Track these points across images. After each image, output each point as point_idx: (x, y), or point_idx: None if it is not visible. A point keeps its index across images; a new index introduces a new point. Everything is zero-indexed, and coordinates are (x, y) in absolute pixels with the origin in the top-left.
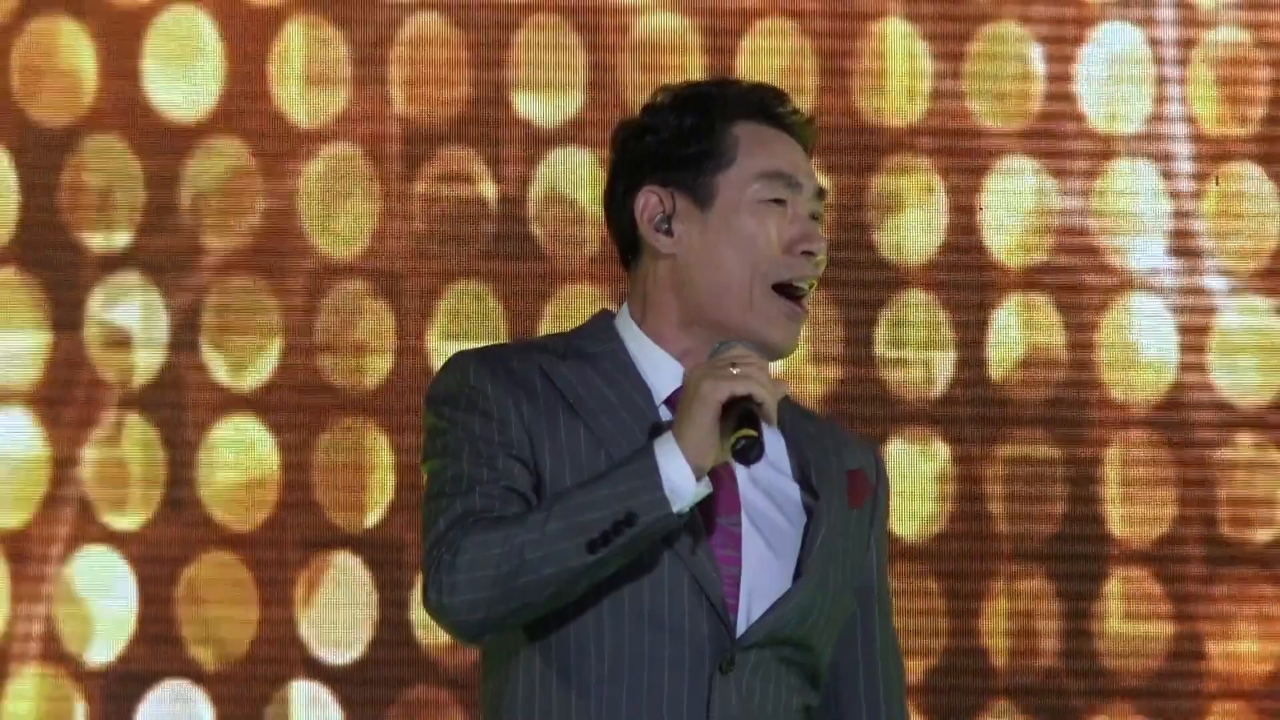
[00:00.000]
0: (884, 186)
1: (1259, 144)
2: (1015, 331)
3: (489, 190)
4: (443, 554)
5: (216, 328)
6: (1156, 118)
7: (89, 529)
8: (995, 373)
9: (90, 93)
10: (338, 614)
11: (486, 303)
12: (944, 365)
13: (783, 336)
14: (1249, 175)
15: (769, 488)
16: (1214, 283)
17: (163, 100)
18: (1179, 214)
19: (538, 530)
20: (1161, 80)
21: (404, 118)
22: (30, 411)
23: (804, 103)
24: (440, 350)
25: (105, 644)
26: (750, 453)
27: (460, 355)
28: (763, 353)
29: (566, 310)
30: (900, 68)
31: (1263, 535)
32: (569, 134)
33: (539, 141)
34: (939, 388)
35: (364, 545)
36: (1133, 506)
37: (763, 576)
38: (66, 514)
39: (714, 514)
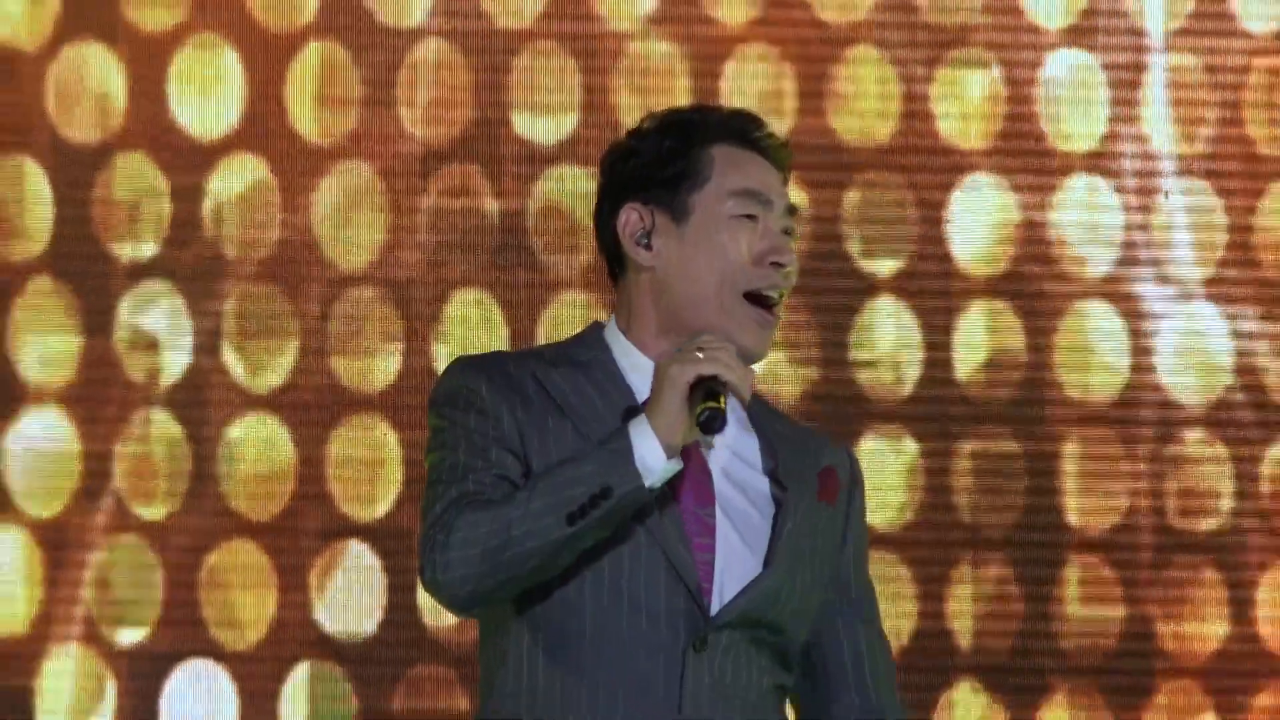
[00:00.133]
0: (858, 200)
1: (1205, 161)
2: (979, 335)
3: (490, 204)
4: (437, 534)
5: (237, 332)
6: (1110, 137)
7: (119, 519)
8: (961, 373)
9: (120, 114)
10: (349, 598)
11: (488, 309)
12: (913, 367)
13: (754, 342)
14: (1196, 190)
15: (742, 483)
16: (1163, 290)
17: (187, 120)
18: (1131, 226)
19: (522, 507)
20: (1114, 102)
21: (411, 137)
22: (64, 410)
23: (784, 122)
24: (444, 353)
25: (134, 626)
26: (714, 424)
27: (460, 361)
28: None
29: (563, 316)
30: (873, 90)
31: (1208, 525)
32: (565, 152)
33: (537, 159)
34: (908, 388)
35: (374, 534)
36: (1088, 498)
37: (735, 563)
38: (98, 505)
39: (690, 506)
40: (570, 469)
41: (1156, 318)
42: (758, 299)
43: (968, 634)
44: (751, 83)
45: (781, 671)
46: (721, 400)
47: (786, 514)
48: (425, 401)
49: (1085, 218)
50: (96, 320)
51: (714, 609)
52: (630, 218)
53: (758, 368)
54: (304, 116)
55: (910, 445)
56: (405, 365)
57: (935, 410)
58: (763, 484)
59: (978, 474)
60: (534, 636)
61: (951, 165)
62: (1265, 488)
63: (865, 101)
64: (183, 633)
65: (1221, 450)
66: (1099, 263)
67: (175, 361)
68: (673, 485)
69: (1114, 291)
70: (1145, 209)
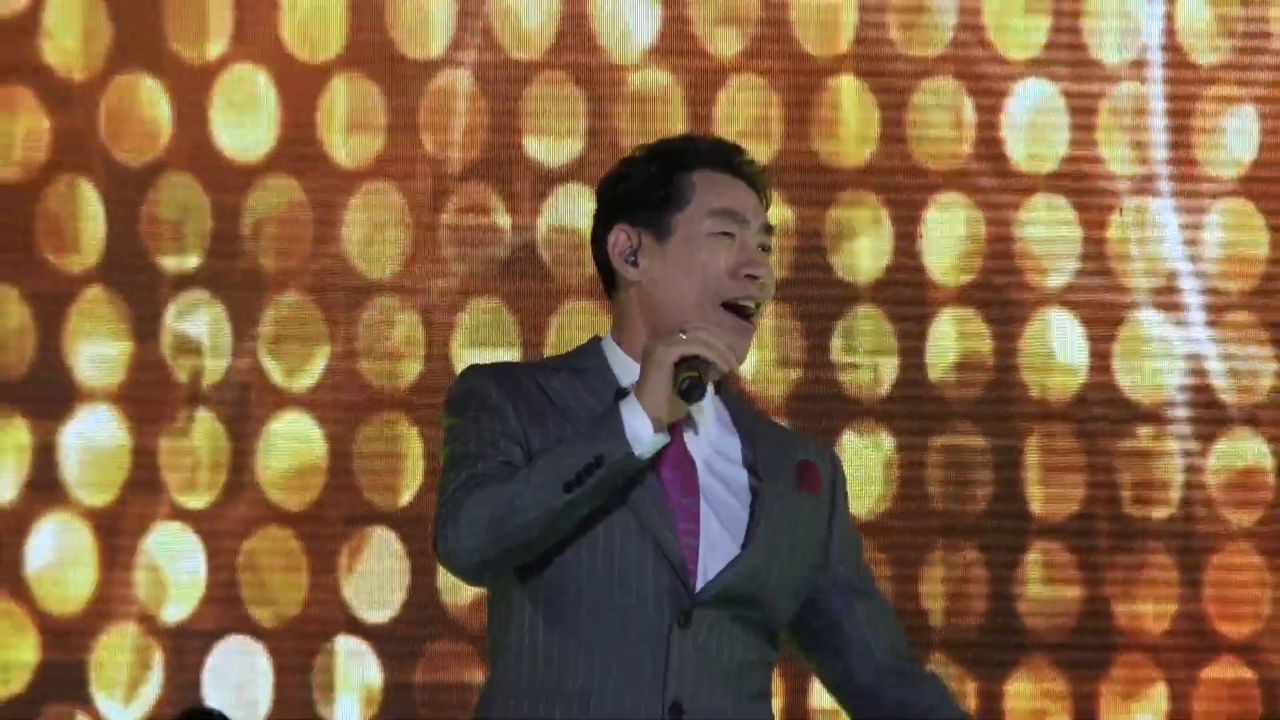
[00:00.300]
0: (838, 217)
1: (1157, 181)
2: (950, 340)
3: (503, 220)
4: (449, 510)
5: (272, 337)
6: (1069, 158)
7: (165, 508)
8: (933, 375)
9: (166, 137)
10: (375, 580)
11: (501, 316)
12: (889, 369)
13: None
14: (1149, 207)
15: (724, 476)
16: (1118, 298)
17: (227, 144)
18: (1088, 240)
19: (524, 482)
20: (1074, 127)
21: (432, 159)
22: (115, 408)
23: (771, 146)
24: (462, 356)
25: (179, 605)
26: (694, 392)
27: (471, 369)
28: None
29: (569, 323)
30: (853, 116)
31: (1159, 513)
32: (572, 173)
33: (546, 179)
34: (885, 388)
35: (398, 521)
36: (1049, 488)
37: (717, 545)
38: (146, 495)
39: (676, 496)
40: (566, 445)
41: (1111, 324)
42: (735, 308)
43: (939, 613)
44: (742, 110)
45: (766, 647)
46: (700, 374)
47: (763, 501)
48: (443, 401)
49: (1047, 233)
50: (145, 326)
51: (698, 588)
52: (619, 238)
53: (746, 370)
54: (333, 141)
55: (887, 441)
56: (426, 368)
57: (910, 409)
58: (742, 477)
59: (948, 467)
60: (534, 606)
61: (924, 185)
62: (1211, 479)
63: (846, 127)
64: (223, 611)
65: (1171, 444)
66: (1059, 274)
67: (217, 364)
68: (660, 478)
69: (1073, 300)
70: (1101, 224)
